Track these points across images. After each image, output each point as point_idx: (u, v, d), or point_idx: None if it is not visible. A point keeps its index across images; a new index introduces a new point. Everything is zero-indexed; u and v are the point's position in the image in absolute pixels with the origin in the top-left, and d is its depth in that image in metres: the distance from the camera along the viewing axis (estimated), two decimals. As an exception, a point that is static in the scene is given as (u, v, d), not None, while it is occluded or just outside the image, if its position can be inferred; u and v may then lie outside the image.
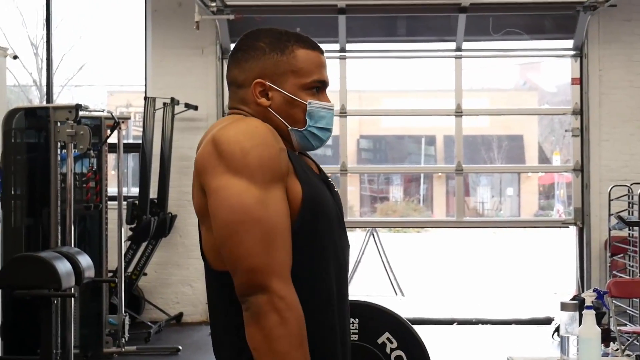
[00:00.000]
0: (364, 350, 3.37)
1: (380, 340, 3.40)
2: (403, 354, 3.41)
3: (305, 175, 1.83)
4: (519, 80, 25.70)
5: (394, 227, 20.87)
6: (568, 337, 3.15)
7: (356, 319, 3.37)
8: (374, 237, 11.36)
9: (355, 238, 12.21)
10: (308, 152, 2.02)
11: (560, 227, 9.14)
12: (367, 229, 11.80)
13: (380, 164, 25.54)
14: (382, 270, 11.29)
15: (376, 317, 3.45)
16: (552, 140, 24.46)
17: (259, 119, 1.82)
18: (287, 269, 1.73)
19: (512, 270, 14.89)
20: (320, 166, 2.01)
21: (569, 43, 8.31)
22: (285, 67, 1.85)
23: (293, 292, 1.72)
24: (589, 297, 3.19)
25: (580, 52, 8.16)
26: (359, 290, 11.39)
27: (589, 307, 3.09)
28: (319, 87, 1.89)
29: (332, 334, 1.85)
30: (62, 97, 13.60)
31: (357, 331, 3.38)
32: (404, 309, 9.67)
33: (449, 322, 8.44)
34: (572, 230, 8.47)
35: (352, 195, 24.18)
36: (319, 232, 1.82)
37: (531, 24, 8.56)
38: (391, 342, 3.40)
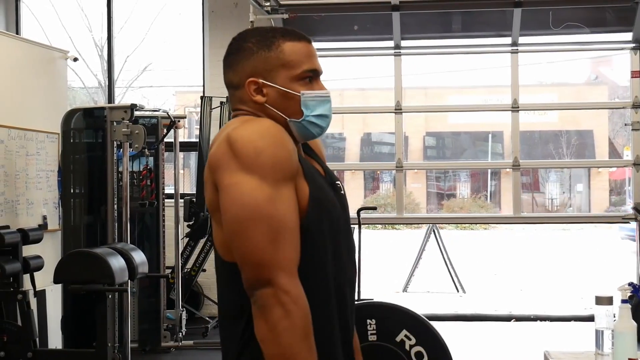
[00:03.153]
0: (384, 349, 3.41)
1: (398, 339, 3.43)
2: (423, 350, 3.44)
3: (312, 177, 1.88)
4: (590, 74, 25.29)
5: (454, 223, 20.72)
6: (603, 332, 3.13)
7: (372, 320, 3.40)
8: (434, 233, 11.33)
9: (420, 235, 12.21)
10: (317, 155, 2.07)
11: (620, 222, 8.98)
12: (428, 225, 11.78)
13: (447, 161, 25.41)
14: (443, 267, 11.25)
15: (392, 316, 3.47)
16: (624, 135, 23.97)
17: (270, 120, 1.87)
18: (294, 264, 1.78)
19: (578, 267, 14.67)
20: (329, 169, 2.05)
21: (628, 36, 8.16)
22: (274, 62, 1.90)
23: (298, 286, 1.76)
24: (624, 291, 3.16)
25: (639, 45, 8.00)
26: (419, 286, 11.39)
27: (624, 301, 3.06)
28: (311, 76, 1.93)
29: (331, 331, 1.89)
30: (129, 98, 13.88)
31: (375, 332, 3.42)
32: (463, 306, 9.65)
33: (507, 318, 8.38)
34: None
35: (418, 192, 24.13)
36: (321, 232, 1.87)
37: (590, 17, 8.42)
38: (409, 339, 3.43)
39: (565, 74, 24.90)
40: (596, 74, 25.07)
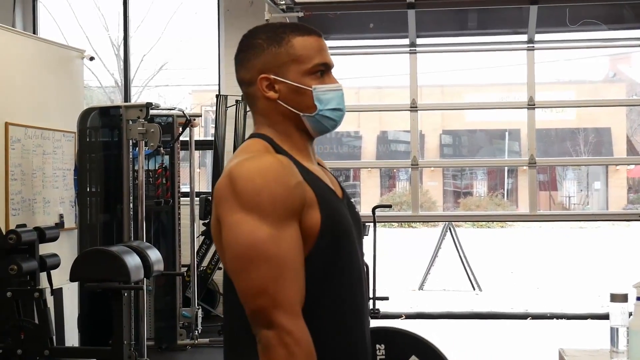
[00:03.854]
0: None
1: None
2: None
3: (327, 202, 1.85)
4: (608, 72, 25.15)
5: (470, 220, 20.69)
6: (618, 329, 3.11)
7: (382, 345, 3.37)
8: (451, 231, 11.31)
9: (437, 233, 12.20)
10: (332, 172, 2.05)
11: (638, 220, 8.94)
12: (445, 223, 11.77)
13: (464, 159, 25.36)
14: (460, 265, 11.24)
15: (401, 342, 3.45)
16: (643, 132, 23.84)
17: (274, 155, 1.84)
18: (297, 303, 1.75)
19: (595, 265, 14.61)
20: (343, 187, 2.03)
21: (646, 32, 8.13)
22: (284, 57, 1.88)
23: (302, 327, 1.74)
24: (639, 288, 3.14)
25: (657, 42, 7.97)
26: (435, 284, 11.38)
27: (639, 299, 3.05)
28: (323, 70, 1.91)
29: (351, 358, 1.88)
30: (146, 97, 13.93)
31: (384, 357, 3.38)
32: (479, 304, 9.63)
33: (523, 316, 8.36)
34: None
35: (435, 190, 24.09)
36: (334, 261, 1.84)
37: (608, 13, 8.38)
38: None
39: (583, 71, 24.79)
40: (614, 71, 24.92)
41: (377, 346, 3.33)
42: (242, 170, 1.77)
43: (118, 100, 13.70)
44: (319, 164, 2.02)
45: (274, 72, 1.89)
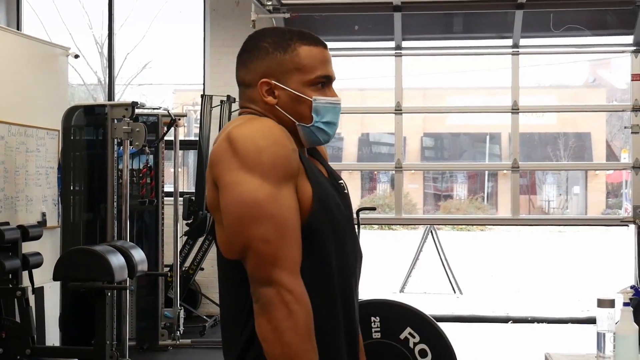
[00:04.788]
0: (388, 347, 3.39)
1: (402, 336, 3.41)
2: (426, 347, 3.42)
3: (315, 177, 1.87)
4: (588, 77, 25.32)
5: (453, 224, 20.73)
6: (604, 334, 3.13)
7: (377, 318, 3.38)
8: (432, 234, 11.33)
9: (417, 235, 12.22)
10: (320, 156, 2.05)
11: (618, 225, 8.99)
12: (426, 226, 11.79)
13: (445, 162, 25.44)
14: (440, 268, 11.25)
15: (396, 314, 3.47)
16: (622, 137, 24.03)
17: (272, 120, 1.86)
18: (297, 263, 1.77)
19: (575, 270, 14.69)
20: (332, 169, 2.04)
21: (629, 39, 8.17)
22: (288, 65, 1.88)
23: (302, 286, 1.75)
24: (626, 294, 3.16)
25: (640, 48, 8.02)
26: (416, 287, 11.39)
27: (626, 304, 3.07)
28: (324, 82, 1.92)
29: (336, 331, 1.89)
30: (129, 96, 13.85)
31: (379, 329, 3.40)
32: (460, 307, 9.65)
33: (505, 320, 8.39)
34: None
35: (415, 193, 24.15)
36: (325, 233, 1.85)
37: (591, 19, 8.43)
38: (413, 337, 3.41)
39: (564, 76, 24.96)
40: (594, 76, 25.10)
41: (372, 318, 3.34)
42: (244, 131, 1.79)
43: (100, 98, 13.63)
44: (315, 149, 2.03)
45: (275, 77, 1.89)
